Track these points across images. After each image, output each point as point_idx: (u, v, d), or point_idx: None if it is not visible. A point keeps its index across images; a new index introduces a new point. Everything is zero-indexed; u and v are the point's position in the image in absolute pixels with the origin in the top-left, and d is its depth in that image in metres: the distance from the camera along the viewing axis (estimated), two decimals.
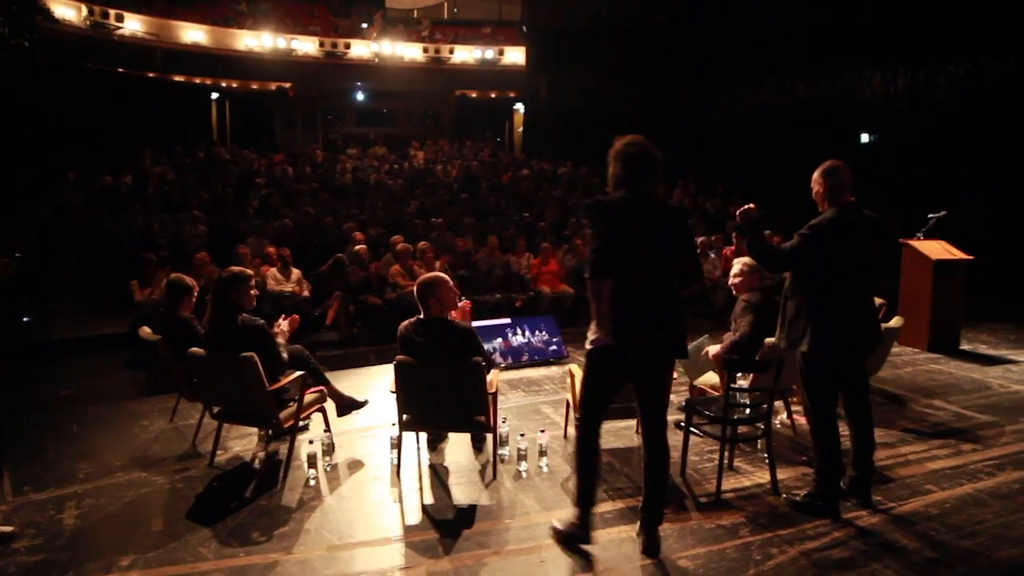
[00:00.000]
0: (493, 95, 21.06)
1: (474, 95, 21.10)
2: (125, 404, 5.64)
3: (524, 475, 4.17)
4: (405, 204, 13.22)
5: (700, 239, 9.83)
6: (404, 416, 4.07)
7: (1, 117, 11.86)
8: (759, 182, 13.96)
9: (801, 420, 5.07)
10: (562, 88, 17.76)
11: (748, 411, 4.02)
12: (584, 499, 3.32)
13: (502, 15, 20.72)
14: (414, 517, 3.71)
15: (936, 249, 6.95)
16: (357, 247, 9.17)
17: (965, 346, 7.15)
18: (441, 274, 4.13)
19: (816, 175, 3.67)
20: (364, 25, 19.63)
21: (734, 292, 4.58)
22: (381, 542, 3.44)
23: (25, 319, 8.93)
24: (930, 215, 6.90)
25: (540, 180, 15.47)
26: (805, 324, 3.53)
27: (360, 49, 18.57)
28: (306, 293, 8.33)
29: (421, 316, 3.97)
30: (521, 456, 4.24)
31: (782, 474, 4.13)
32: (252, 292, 4.22)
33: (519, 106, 20.57)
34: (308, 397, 4.42)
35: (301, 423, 4.81)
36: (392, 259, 8.86)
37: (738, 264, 4.54)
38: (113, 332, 7.83)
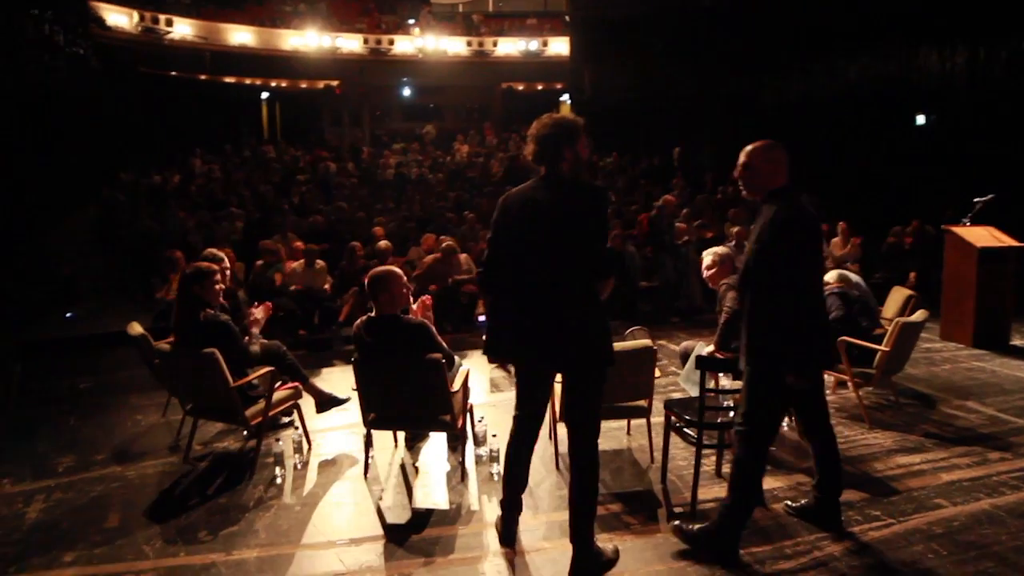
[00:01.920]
0: (540, 87, 20.82)
1: (520, 88, 20.91)
2: (126, 398, 5.71)
3: (495, 477, 3.96)
4: (443, 198, 13.17)
5: (736, 229, 9.36)
6: (370, 415, 3.93)
7: (59, 122, 12.38)
8: (809, 170, 13.27)
9: None
10: (607, 78, 17.32)
11: (732, 413, 3.69)
12: (505, 500, 3.15)
13: (547, 5, 20.41)
14: (367, 520, 3.55)
15: (982, 236, 6.34)
16: (380, 243, 9.13)
17: (1017, 341, 6.51)
18: (394, 268, 3.95)
19: (746, 157, 3.06)
20: (411, 21, 19.68)
21: (709, 284, 4.28)
22: (325, 545, 3.30)
23: (68, 314, 9.27)
24: (976, 199, 6.30)
25: (584, 171, 15.15)
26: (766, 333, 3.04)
27: (404, 45, 18.63)
28: (326, 287, 8.32)
29: (372, 314, 3.81)
30: (493, 458, 4.04)
31: (776, 483, 3.80)
32: (217, 287, 4.15)
33: (565, 98, 20.23)
34: (280, 394, 4.33)
35: (285, 420, 4.77)
36: (421, 253, 8.83)
37: (708, 256, 4.23)
38: (145, 326, 8.04)
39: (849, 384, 4.76)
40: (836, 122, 12.45)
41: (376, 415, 3.93)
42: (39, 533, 3.50)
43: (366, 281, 3.83)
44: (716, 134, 15.24)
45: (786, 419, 4.58)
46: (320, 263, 8.49)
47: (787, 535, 3.27)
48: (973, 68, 9.75)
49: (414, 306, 4.21)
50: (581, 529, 2.94)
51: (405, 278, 3.93)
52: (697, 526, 3.15)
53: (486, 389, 5.55)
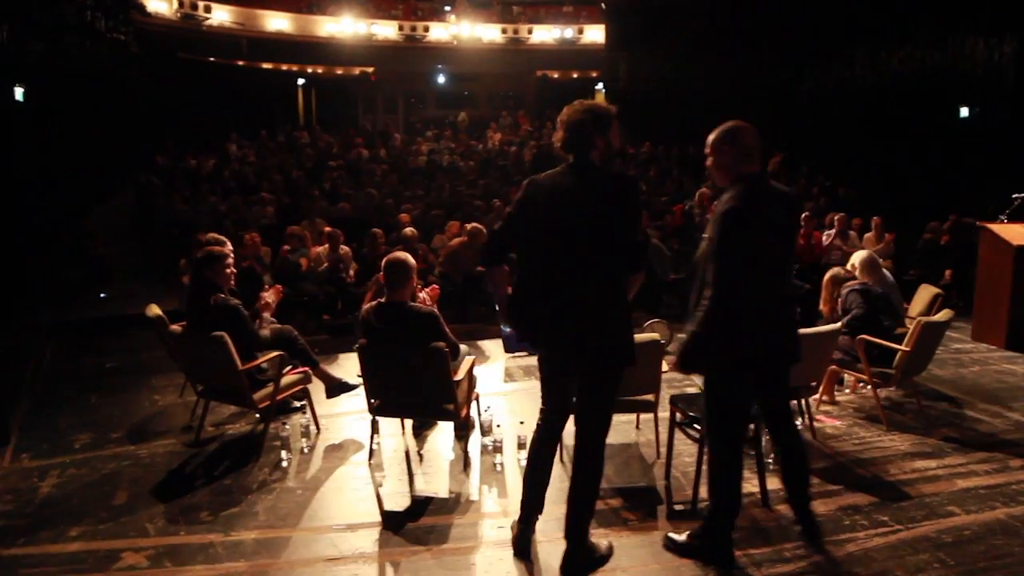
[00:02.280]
0: (575, 75, 20.62)
1: (555, 75, 20.73)
2: (148, 378, 5.83)
3: (499, 468, 3.95)
4: (473, 186, 13.16)
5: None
6: (373, 401, 3.94)
7: (99, 106, 12.68)
8: (850, 162, 12.91)
9: (823, 422, 4.57)
10: (642, 66, 17.08)
11: None
12: (524, 505, 3.02)
13: None
14: (366, 506, 3.57)
15: (1020, 234, 6.07)
16: (405, 229, 9.16)
17: None
18: (407, 256, 3.94)
19: (713, 140, 2.93)
20: (447, 8, 19.64)
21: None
22: (322, 530, 3.33)
23: (102, 295, 9.52)
24: (1015, 195, 6.04)
25: (615, 160, 14.99)
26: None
27: (439, 31, 18.62)
28: (351, 273, 8.38)
29: (383, 300, 3.81)
30: (496, 448, 4.02)
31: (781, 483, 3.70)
32: (228, 271, 4.20)
33: (600, 86, 20.01)
34: (289, 378, 4.37)
35: (297, 404, 4.81)
36: (445, 241, 8.86)
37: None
38: (171, 308, 8.21)
39: (868, 384, 4.62)
40: (877, 113, 12.09)
41: (380, 402, 3.94)
42: (49, 507, 3.60)
43: (382, 265, 3.85)
44: (753, 124, 14.90)
45: (803, 419, 4.48)
46: (344, 248, 8.56)
47: (787, 537, 3.19)
48: (1021, 59, 9.34)
49: (422, 294, 4.20)
50: (577, 526, 2.89)
51: (415, 267, 3.93)
52: (686, 533, 3.08)
53: (500, 378, 5.54)
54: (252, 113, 17.13)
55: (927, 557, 3.03)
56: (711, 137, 2.93)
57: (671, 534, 3.13)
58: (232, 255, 4.37)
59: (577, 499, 2.88)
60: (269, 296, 4.56)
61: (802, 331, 4.06)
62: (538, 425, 3.01)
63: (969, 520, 3.34)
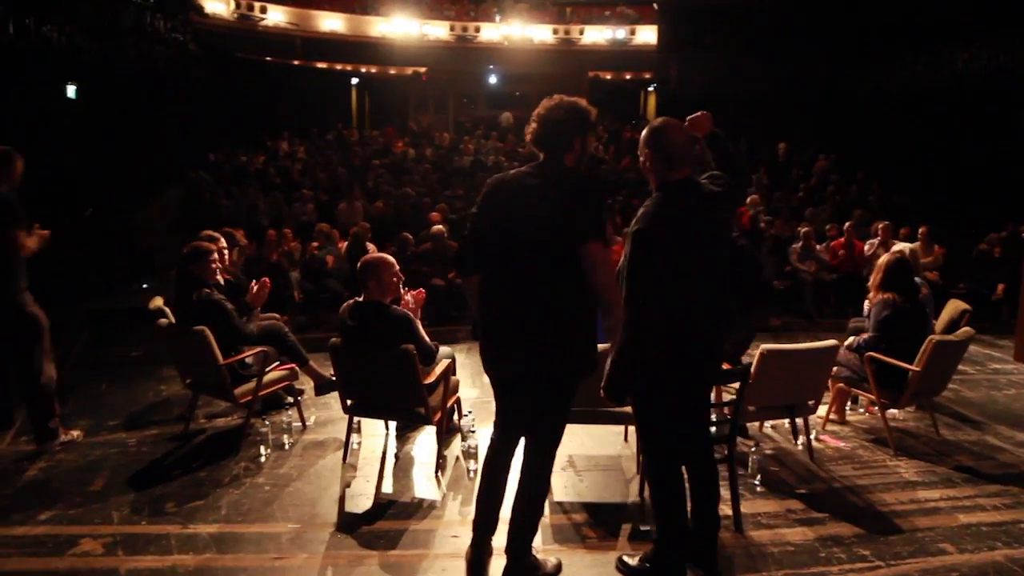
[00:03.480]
0: (627, 76, 20.28)
1: (608, 77, 20.43)
2: (159, 368, 5.96)
3: (471, 475, 3.86)
4: None
5: (805, 230, 8.76)
6: (348, 400, 3.91)
7: (157, 105, 13.18)
8: (911, 167, 12.27)
9: (826, 442, 4.31)
10: (695, 68, 16.65)
11: (714, 428, 3.41)
12: (476, 525, 2.80)
13: None
14: (327, 506, 3.53)
15: None
16: (435, 227, 9.17)
17: None
18: (387, 256, 3.89)
19: (640, 142, 2.75)
20: (495, 10, 19.63)
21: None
22: (277, 527, 3.31)
23: (144, 285, 9.87)
24: None
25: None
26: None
27: (490, 32, 18.62)
28: None
29: (360, 298, 3.77)
30: (471, 454, 3.94)
31: (764, 507, 3.50)
32: (214, 266, 4.24)
33: (651, 88, 19.64)
34: (274, 374, 4.39)
35: (290, 400, 4.83)
36: None
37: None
38: None
39: (877, 405, 4.32)
40: (938, 117, 11.45)
41: (355, 402, 3.91)
42: (29, 491, 3.70)
43: (358, 266, 3.81)
44: (809, 129, 14.36)
45: (797, 438, 4.24)
46: (370, 246, 8.61)
47: (753, 567, 2.99)
48: None
49: (407, 296, 4.15)
50: (519, 541, 2.76)
51: (397, 268, 3.88)
52: (638, 557, 2.91)
53: (486, 384, 5.40)
54: (307, 112, 17.52)
55: None
56: (644, 135, 2.73)
57: (625, 557, 2.97)
58: (225, 250, 4.41)
59: (521, 512, 2.74)
60: (256, 289, 4.57)
61: (798, 347, 3.86)
62: (491, 440, 2.87)
63: (962, 560, 3.06)
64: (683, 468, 2.81)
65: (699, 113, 2.80)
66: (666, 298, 2.54)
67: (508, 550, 2.77)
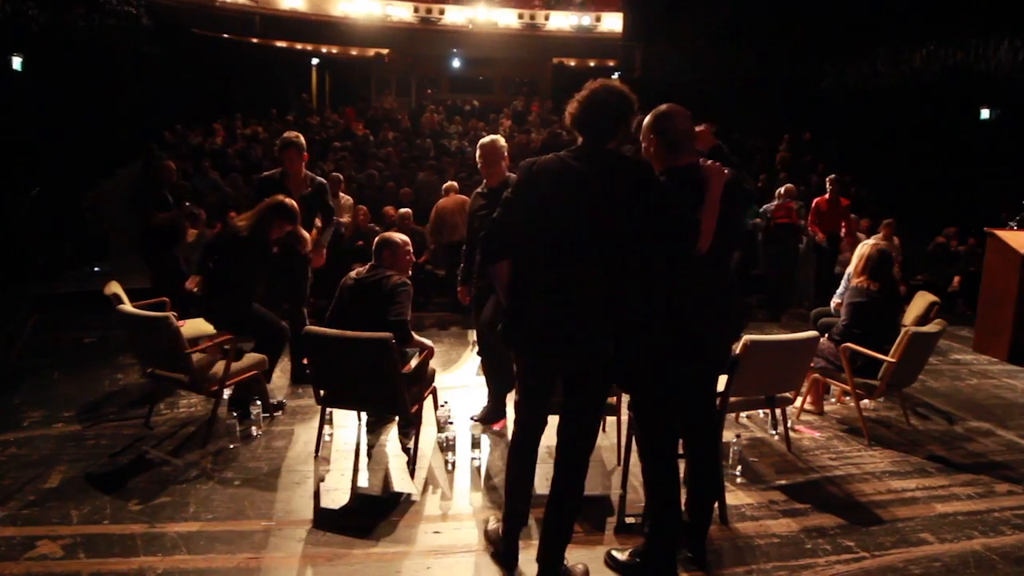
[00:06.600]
0: (592, 64, 20.25)
1: (572, 64, 20.37)
2: (115, 356, 5.70)
3: (450, 467, 3.76)
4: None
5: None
6: (320, 391, 3.76)
7: (108, 80, 12.60)
8: (867, 160, 12.50)
9: (801, 432, 4.34)
10: (659, 57, 16.73)
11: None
12: (508, 518, 2.76)
13: None
14: (301, 502, 3.39)
15: None
16: (401, 210, 9.02)
17: None
18: (404, 237, 3.96)
19: (643, 128, 2.70)
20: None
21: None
22: (250, 525, 3.16)
23: (95, 268, 9.46)
24: None
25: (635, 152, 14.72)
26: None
27: (455, 15, 18.35)
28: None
29: (372, 263, 3.86)
30: (448, 447, 3.84)
31: (747, 499, 3.50)
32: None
33: (616, 76, 19.64)
34: (245, 362, 4.20)
35: (275, 401, 4.60)
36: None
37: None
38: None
39: (851, 395, 4.36)
40: (896, 111, 11.68)
41: (327, 392, 3.76)
42: None
43: (376, 240, 3.93)
44: (769, 119, 14.54)
45: (776, 429, 4.25)
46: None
47: (742, 560, 2.97)
48: None
49: None
50: (555, 548, 2.64)
51: (411, 249, 3.99)
52: (628, 552, 2.87)
53: (473, 371, 5.32)
54: (266, 92, 17.03)
55: None
56: (644, 123, 2.66)
57: (613, 551, 2.92)
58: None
59: (558, 520, 2.64)
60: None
61: (780, 338, 3.85)
62: (514, 435, 2.75)
63: (943, 550, 3.09)
64: (680, 462, 2.78)
65: (701, 127, 2.73)
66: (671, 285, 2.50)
67: (542, 557, 2.65)
